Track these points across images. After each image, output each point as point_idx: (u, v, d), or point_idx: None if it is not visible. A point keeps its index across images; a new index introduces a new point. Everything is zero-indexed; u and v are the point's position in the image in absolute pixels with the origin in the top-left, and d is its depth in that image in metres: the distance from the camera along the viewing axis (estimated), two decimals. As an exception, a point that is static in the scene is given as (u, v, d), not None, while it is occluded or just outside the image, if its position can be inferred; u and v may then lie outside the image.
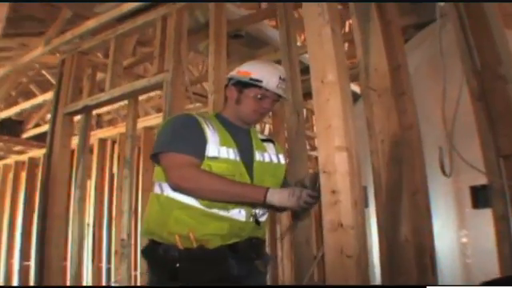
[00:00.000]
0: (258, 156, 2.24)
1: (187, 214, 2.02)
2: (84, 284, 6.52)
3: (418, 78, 2.99)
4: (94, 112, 6.88)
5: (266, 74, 2.20)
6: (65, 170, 4.71)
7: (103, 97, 4.41)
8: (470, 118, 2.45)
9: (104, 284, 6.56)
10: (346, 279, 1.81)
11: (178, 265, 1.98)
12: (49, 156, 4.72)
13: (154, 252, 2.08)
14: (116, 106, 6.51)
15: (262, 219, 2.18)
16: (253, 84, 2.19)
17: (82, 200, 4.77)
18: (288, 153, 3.09)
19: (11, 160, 8.31)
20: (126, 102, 4.69)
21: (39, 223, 4.57)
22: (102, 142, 7.04)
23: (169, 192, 2.07)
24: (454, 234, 2.74)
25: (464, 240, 2.71)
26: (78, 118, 5.15)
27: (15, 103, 7.47)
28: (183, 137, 2.07)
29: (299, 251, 2.97)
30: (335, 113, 1.98)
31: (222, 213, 2.04)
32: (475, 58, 2.53)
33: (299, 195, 1.91)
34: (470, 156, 2.32)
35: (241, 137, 2.22)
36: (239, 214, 2.08)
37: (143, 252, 2.19)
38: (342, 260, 1.82)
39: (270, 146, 2.37)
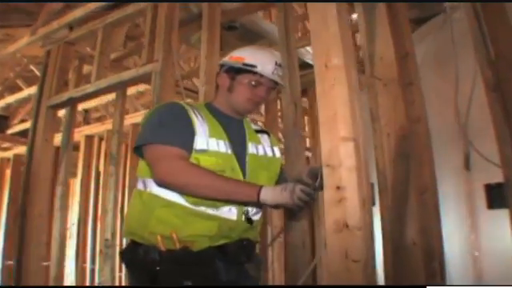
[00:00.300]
0: (251, 148, 2.07)
1: (171, 212, 1.86)
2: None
3: (421, 73, 2.80)
4: (81, 107, 6.72)
5: (260, 58, 2.03)
6: (47, 166, 4.48)
7: (89, 88, 4.18)
8: (484, 110, 2.26)
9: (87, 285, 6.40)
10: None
11: (158, 268, 1.82)
12: (30, 151, 4.49)
13: (134, 253, 1.92)
14: (104, 101, 6.33)
15: (255, 218, 2.00)
16: (246, 70, 2.02)
17: (64, 197, 4.55)
18: (284, 147, 2.90)
19: (-3, 157, 8.09)
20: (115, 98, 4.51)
21: (19, 222, 4.33)
22: (89, 138, 6.90)
23: (152, 188, 1.90)
24: (466, 236, 2.54)
25: (477, 243, 2.51)
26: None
27: (1, 98, 7.24)
28: (170, 127, 1.89)
29: (294, 255, 2.78)
30: (341, 100, 1.77)
31: (211, 211, 1.86)
32: (489, 47, 2.35)
33: (292, 189, 1.72)
34: (484, 151, 2.15)
35: (233, 128, 2.05)
36: (229, 212, 1.90)
37: (122, 254, 2.04)
38: (347, 265, 1.60)
39: (264, 138, 2.21)
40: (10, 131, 7.63)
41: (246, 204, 1.92)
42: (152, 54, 3.73)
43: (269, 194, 1.74)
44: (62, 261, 4.70)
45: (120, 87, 4.20)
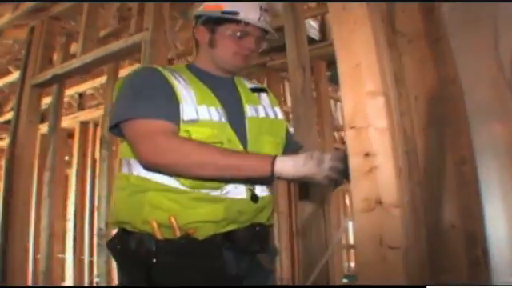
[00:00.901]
0: (249, 111, 1.74)
1: (167, 197, 1.54)
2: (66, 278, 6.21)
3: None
4: (74, 91, 6.42)
5: (242, 3, 1.68)
6: (32, 150, 4.24)
7: (74, 64, 3.87)
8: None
9: (86, 278, 6.13)
10: (387, 280, 1.24)
11: (154, 260, 1.51)
12: (14, 134, 4.19)
13: (124, 243, 1.60)
14: (97, 84, 6.06)
15: (264, 194, 1.67)
16: (227, 19, 1.67)
17: (52, 184, 4.35)
18: (292, 117, 2.57)
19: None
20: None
21: (2, 210, 4.04)
22: (84, 125, 6.62)
23: (140, 171, 1.58)
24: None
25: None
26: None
27: (-8, 84, 6.95)
28: (148, 97, 1.57)
29: (309, 242, 2.45)
30: (364, 46, 1.40)
31: (215, 193, 1.55)
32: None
33: (320, 158, 1.36)
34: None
35: (223, 89, 1.72)
36: (236, 190, 1.58)
37: (109, 244, 1.69)
38: (382, 253, 1.24)
39: (263, 97, 1.88)
40: (1, 119, 7.32)
41: (256, 181, 1.61)
42: (142, 23, 3.41)
43: (287, 165, 1.42)
44: (52, 253, 4.43)
45: (108, 61, 3.92)
